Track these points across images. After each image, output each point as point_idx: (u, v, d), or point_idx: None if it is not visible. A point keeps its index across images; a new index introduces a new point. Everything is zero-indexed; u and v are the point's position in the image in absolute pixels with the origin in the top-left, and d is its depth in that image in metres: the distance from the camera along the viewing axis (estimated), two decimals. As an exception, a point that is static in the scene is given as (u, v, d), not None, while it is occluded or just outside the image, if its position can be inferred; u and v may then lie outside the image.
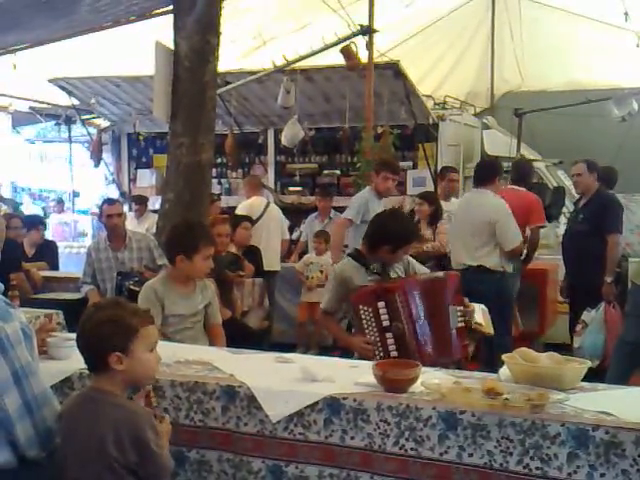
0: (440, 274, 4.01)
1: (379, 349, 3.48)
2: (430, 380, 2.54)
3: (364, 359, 3.25)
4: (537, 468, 2.23)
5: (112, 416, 2.22)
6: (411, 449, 2.38)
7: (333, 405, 2.48)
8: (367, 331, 3.52)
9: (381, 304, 3.48)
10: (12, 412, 2.14)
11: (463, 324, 3.61)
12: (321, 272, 7.15)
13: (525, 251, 5.82)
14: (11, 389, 2.15)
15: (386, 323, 3.47)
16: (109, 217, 5.67)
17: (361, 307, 3.54)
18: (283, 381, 2.67)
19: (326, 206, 7.94)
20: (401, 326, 3.44)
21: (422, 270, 3.98)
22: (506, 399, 2.35)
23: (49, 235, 9.70)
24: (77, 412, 2.28)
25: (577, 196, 6.44)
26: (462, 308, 3.63)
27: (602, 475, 2.16)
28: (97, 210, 6.88)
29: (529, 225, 5.84)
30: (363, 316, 3.53)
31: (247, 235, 6.40)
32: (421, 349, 3.44)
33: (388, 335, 3.46)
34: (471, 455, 2.31)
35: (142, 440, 2.20)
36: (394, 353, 3.43)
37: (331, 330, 4.11)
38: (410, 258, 3.97)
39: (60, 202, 11.75)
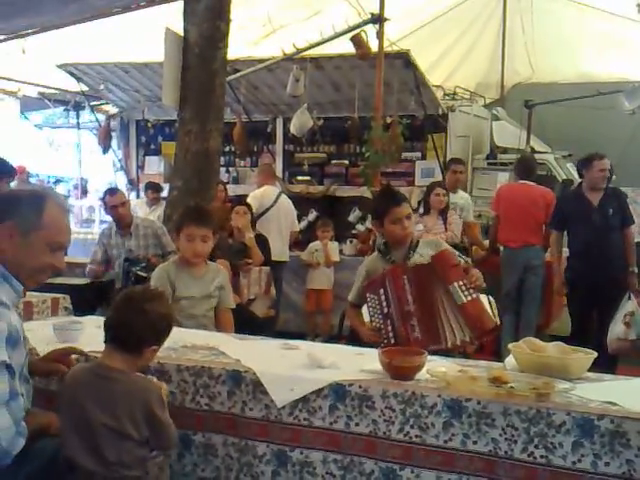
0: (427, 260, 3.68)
1: (383, 336, 3.42)
2: (436, 368, 2.55)
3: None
4: (542, 456, 2.24)
5: (125, 392, 2.30)
6: (416, 436, 2.39)
7: (338, 391, 2.48)
8: (373, 319, 3.50)
9: (382, 291, 3.45)
10: None
11: (473, 296, 3.32)
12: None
13: None
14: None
15: (386, 310, 3.43)
16: (113, 207, 5.72)
17: (368, 295, 3.53)
18: (289, 367, 2.68)
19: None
20: (392, 311, 3.39)
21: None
22: (512, 387, 2.35)
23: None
24: (85, 388, 2.34)
25: None
26: (464, 281, 3.35)
27: (606, 464, 2.17)
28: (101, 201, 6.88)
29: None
30: (370, 304, 3.51)
31: (239, 219, 6.30)
32: (409, 334, 3.31)
33: (388, 322, 3.41)
34: (475, 443, 2.32)
35: (153, 415, 2.32)
36: (393, 340, 3.36)
37: (351, 322, 3.97)
38: (443, 243, 3.85)
39: (77, 187, 11.66)
